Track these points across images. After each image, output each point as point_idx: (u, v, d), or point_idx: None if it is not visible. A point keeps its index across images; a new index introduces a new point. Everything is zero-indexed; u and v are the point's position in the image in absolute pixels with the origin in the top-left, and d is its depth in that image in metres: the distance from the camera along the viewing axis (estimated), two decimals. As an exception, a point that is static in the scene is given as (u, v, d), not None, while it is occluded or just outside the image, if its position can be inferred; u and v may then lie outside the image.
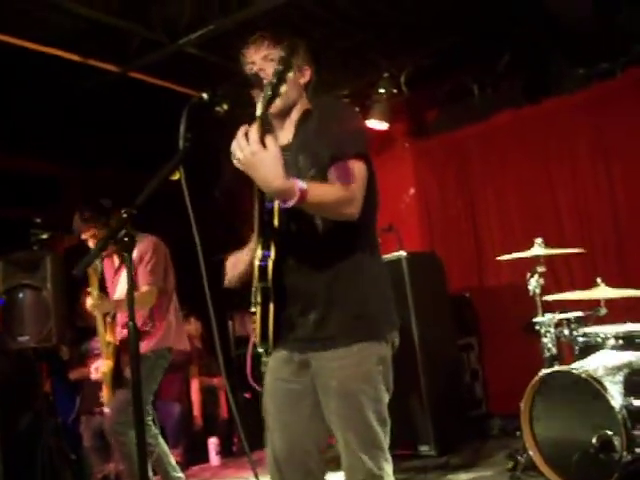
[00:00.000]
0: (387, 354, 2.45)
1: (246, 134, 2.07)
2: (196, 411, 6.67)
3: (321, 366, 2.42)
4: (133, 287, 2.03)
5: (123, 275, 4.48)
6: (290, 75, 2.16)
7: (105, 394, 4.46)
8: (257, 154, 2.06)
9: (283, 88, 2.15)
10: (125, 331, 4.35)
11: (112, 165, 6.72)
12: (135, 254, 4.42)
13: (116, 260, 4.70)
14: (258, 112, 2.11)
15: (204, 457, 6.30)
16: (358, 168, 2.32)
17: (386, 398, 2.44)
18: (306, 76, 2.56)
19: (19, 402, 4.30)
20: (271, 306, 2.39)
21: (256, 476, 2.43)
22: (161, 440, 4.59)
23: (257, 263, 2.33)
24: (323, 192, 2.23)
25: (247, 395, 6.50)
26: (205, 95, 2.21)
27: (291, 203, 2.12)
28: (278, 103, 2.32)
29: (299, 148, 2.42)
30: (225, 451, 6.45)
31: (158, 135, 4.08)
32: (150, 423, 4.50)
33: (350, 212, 2.27)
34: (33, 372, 5.34)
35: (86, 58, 5.47)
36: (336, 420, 2.41)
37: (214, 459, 6.20)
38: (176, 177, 2.11)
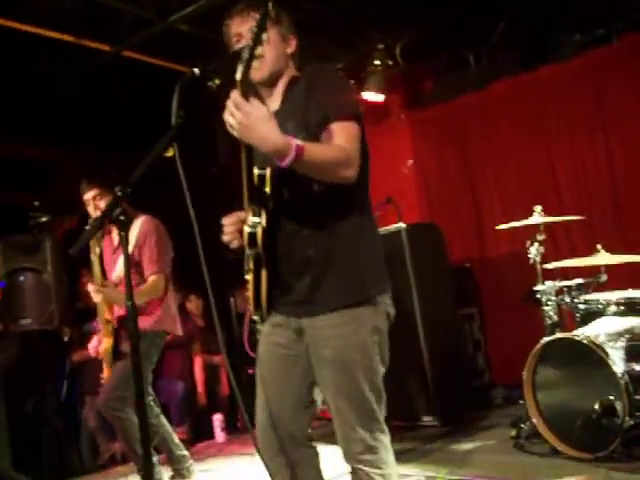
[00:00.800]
0: (382, 325, 2.45)
1: (233, 100, 2.06)
2: (200, 388, 6.70)
3: (315, 334, 2.42)
4: (130, 266, 2.02)
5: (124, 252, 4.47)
6: (264, 37, 2.13)
7: (105, 373, 4.45)
8: (250, 115, 2.06)
9: (259, 50, 2.15)
10: (121, 309, 4.37)
11: (108, 145, 6.69)
12: (137, 234, 4.42)
13: (115, 238, 4.64)
14: (238, 76, 2.09)
15: (209, 434, 6.33)
16: (352, 129, 2.31)
17: (381, 369, 2.44)
18: (292, 46, 2.55)
19: (25, 384, 4.33)
20: (263, 272, 2.39)
21: (259, 451, 2.44)
22: (163, 419, 4.60)
23: (247, 230, 2.32)
24: (319, 151, 2.22)
25: (250, 372, 6.53)
26: (196, 70, 2.20)
27: (288, 160, 2.10)
28: (264, 70, 2.36)
29: (287, 114, 2.41)
30: (230, 427, 6.48)
31: (152, 113, 4.06)
32: (152, 403, 4.52)
33: (347, 174, 2.26)
34: (38, 354, 5.36)
35: (79, 38, 5.43)
36: (330, 391, 2.42)
37: (219, 435, 6.23)
38: (170, 154, 2.10)
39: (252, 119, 2.06)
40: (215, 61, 2.23)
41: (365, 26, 6.17)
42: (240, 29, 2.46)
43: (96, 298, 4.30)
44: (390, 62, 6.55)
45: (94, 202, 4.47)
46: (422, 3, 5.79)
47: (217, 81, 2.12)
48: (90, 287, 4.32)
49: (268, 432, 2.51)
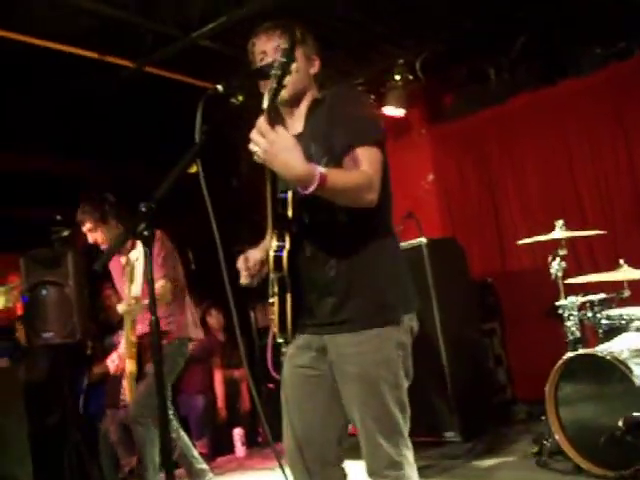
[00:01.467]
0: (406, 340, 2.44)
1: (258, 128, 2.07)
2: (220, 403, 6.70)
3: (338, 352, 2.41)
4: (153, 282, 2.03)
5: (135, 271, 4.46)
6: (293, 67, 2.15)
7: (128, 391, 4.50)
8: (275, 143, 2.07)
9: (287, 79, 2.15)
10: (144, 326, 4.41)
11: (130, 161, 6.75)
12: (140, 248, 4.34)
13: (123, 257, 4.67)
14: (265, 105, 2.11)
15: (229, 448, 6.33)
16: (374, 154, 2.31)
17: (405, 384, 2.43)
18: (315, 66, 2.57)
19: (48, 397, 4.36)
20: (288, 296, 2.40)
21: (281, 466, 2.43)
22: (183, 433, 4.63)
23: (272, 254, 2.34)
24: (342, 177, 2.22)
25: (270, 386, 6.52)
26: (220, 87, 2.21)
27: (311, 188, 2.11)
28: (285, 93, 2.33)
29: (310, 137, 2.42)
30: (250, 442, 6.47)
31: (175, 129, 4.09)
32: (171, 417, 4.53)
33: (370, 198, 2.26)
34: (61, 367, 5.39)
35: (103, 55, 5.49)
36: (355, 406, 2.40)
37: (239, 450, 6.23)
38: (193, 170, 2.12)
39: (276, 147, 2.07)
40: (237, 77, 2.24)
41: (385, 41, 6.19)
42: (265, 47, 2.48)
43: (126, 315, 4.40)
44: (410, 77, 6.56)
45: (90, 234, 4.61)
46: (442, 18, 5.81)
47: (240, 97, 2.13)
48: (120, 307, 4.41)
49: (295, 455, 2.50)
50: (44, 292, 5.22)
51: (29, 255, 5.21)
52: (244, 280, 2.56)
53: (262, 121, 2.08)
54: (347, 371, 2.39)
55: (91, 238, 4.64)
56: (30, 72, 5.37)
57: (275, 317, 2.45)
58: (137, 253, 4.45)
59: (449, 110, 7.20)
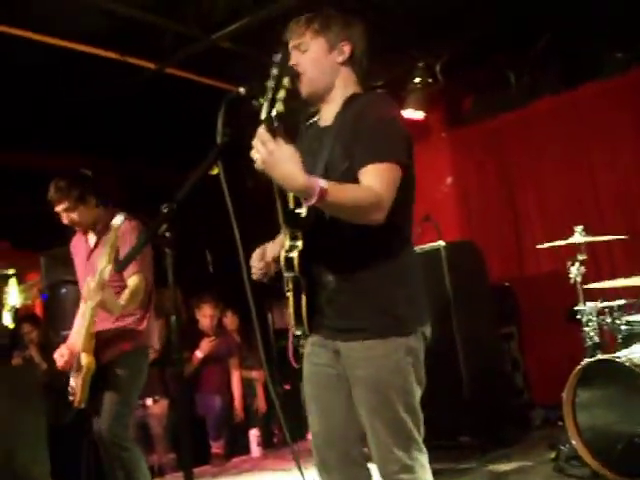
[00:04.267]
0: (417, 345, 2.42)
1: (259, 137, 2.07)
2: (237, 403, 6.71)
3: (349, 356, 2.41)
4: (175, 281, 2.02)
5: (100, 256, 3.86)
6: (286, 81, 2.13)
7: (80, 390, 3.93)
8: (274, 153, 2.07)
9: (281, 93, 2.12)
10: (103, 324, 3.97)
11: (150, 162, 6.79)
12: (111, 234, 3.81)
13: (91, 238, 4.22)
14: (262, 116, 2.10)
15: (245, 449, 6.34)
16: (389, 173, 2.27)
17: (417, 390, 2.41)
18: (345, 52, 2.48)
19: (66, 396, 4.36)
20: (302, 294, 2.40)
21: (299, 467, 2.44)
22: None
23: (283, 254, 2.35)
24: (345, 194, 2.19)
25: (286, 387, 6.54)
26: (242, 89, 2.21)
27: (310, 202, 2.11)
28: (306, 87, 2.38)
29: (336, 135, 2.40)
30: (266, 443, 6.49)
31: (196, 130, 4.09)
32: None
33: (375, 218, 2.23)
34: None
35: (124, 56, 5.52)
36: (365, 410, 2.40)
37: (255, 450, 6.24)
38: (215, 172, 2.13)
39: (275, 157, 2.07)
40: (259, 79, 2.24)
41: (405, 44, 6.18)
42: (294, 43, 2.47)
43: (94, 297, 3.75)
44: (430, 80, 6.56)
45: (65, 214, 4.10)
46: (462, 20, 5.80)
47: (262, 100, 2.13)
48: (91, 283, 3.76)
49: (322, 451, 2.51)
50: (63, 290, 5.28)
51: (49, 254, 5.27)
52: (256, 277, 2.55)
53: (262, 130, 2.08)
54: (357, 375, 2.39)
55: (66, 219, 4.10)
56: (52, 72, 5.41)
57: (291, 312, 2.46)
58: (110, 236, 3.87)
59: (469, 113, 7.20)
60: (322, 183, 2.10)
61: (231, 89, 2.25)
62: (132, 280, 3.92)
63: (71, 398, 3.99)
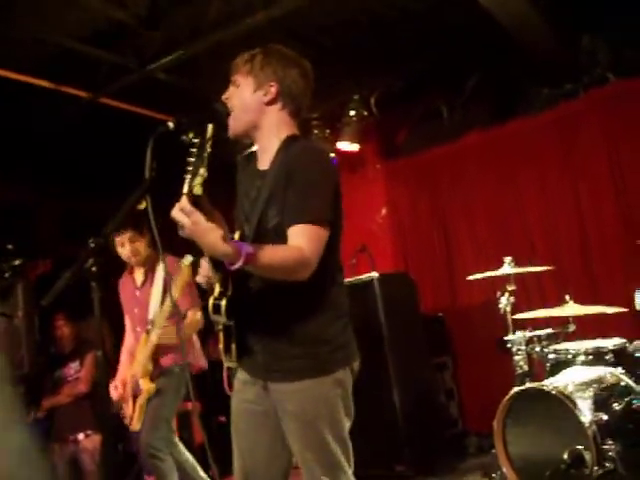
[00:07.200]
0: (346, 378, 2.47)
1: (181, 208, 2.10)
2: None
3: (277, 390, 2.45)
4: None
5: (153, 291, 4.37)
6: (205, 155, 2.13)
7: (136, 416, 4.36)
8: (198, 223, 2.10)
9: (202, 170, 2.12)
10: (175, 356, 4.36)
11: (84, 192, 6.71)
12: (161, 273, 4.31)
13: (139, 276, 4.55)
14: (185, 189, 2.12)
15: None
16: (315, 232, 2.32)
17: (346, 421, 2.46)
18: (271, 93, 2.51)
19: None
20: (232, 336, 2.47)
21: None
22: (189, 455, 4.56)
23: (211, 302, 2.40)
24: (272, 256, 2.25)
25: (221, 419, 6.47)
26: (170, 124, 2.23)
27: (236, 265, 2.15)
28: (233, 125, 2.48)
29: (272, 188, 2.43)
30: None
31: (129, 161, 4.07)
32: (176, 441, 4.50)
33: (301, 276, 2.30)
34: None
35: (57, 85, 5.48)
36: (295, 442, 2.44)
37: (190, 484, 6.14)
38: (142, 206, 2.14)
39: (200, 228, 2.11)
40: (187, 115, 2.26)
41: (340, 76, 6.27)
42: (232, 77, 2.55)
43: (157, 330, 4.20)
44: (365, 112, 6.66)
45: (130, 244, 4.39)
46: (396, 55, 5.91)
47: (191, 135, 2.15)
48: (158, 318, 4.22)
49: None
50: (-6, 322, 5.15)
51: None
52: (203, 284, 2.55)
53: (184, 201, 2.10)
54: (286, 409, 2.43)
55: (124, 251, 4.41)
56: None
57: (222, 347, 2.51)
58: (160, 272, 4.34)
59: (403, 146, 7.30)
60: (249, 249, 2.16)
61: (166, 119, 2.26)
62: (190, 313, 4.32)
63: (126, 423, 4.40)
